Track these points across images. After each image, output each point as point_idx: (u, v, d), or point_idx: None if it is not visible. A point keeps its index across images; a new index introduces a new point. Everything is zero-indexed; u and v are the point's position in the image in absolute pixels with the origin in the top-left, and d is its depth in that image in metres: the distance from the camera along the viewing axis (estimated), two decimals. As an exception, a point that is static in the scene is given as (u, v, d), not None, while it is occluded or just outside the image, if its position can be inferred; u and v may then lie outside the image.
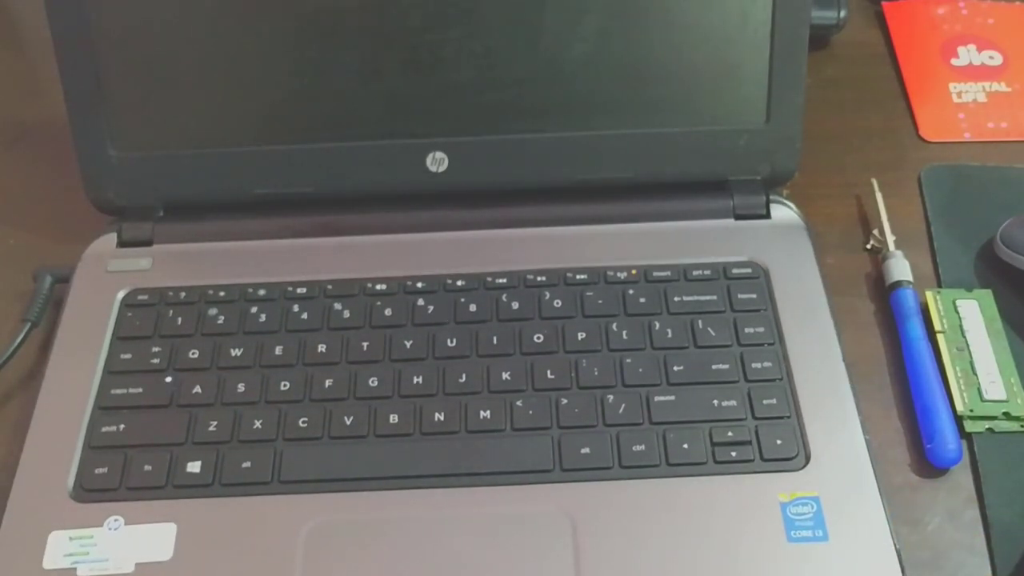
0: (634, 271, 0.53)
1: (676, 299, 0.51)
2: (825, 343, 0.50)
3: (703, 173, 0.55)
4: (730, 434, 0.46)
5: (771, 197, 0.55)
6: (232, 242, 0.55)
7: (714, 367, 0.49)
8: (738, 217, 0.55)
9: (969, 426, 0.48)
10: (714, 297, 0.51)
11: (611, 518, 0.44)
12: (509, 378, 0.49)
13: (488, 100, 0.53)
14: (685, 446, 0.46)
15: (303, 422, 0.47)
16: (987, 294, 0.53)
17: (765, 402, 0.47)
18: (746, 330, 0.50)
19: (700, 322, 0.50)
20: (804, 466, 0.45)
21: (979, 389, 0.49)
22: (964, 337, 0.51)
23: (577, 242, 0.54)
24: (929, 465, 0.47)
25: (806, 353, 0.49)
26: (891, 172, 0.60)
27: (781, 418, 0.47)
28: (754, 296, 0.51)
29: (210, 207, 0.55)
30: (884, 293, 0.54)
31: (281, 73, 0.53)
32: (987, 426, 0.48)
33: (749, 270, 0.53)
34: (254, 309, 0.51)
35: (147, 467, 0.46)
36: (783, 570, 0.42)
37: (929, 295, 0.53)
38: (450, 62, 0.52)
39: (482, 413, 0.47)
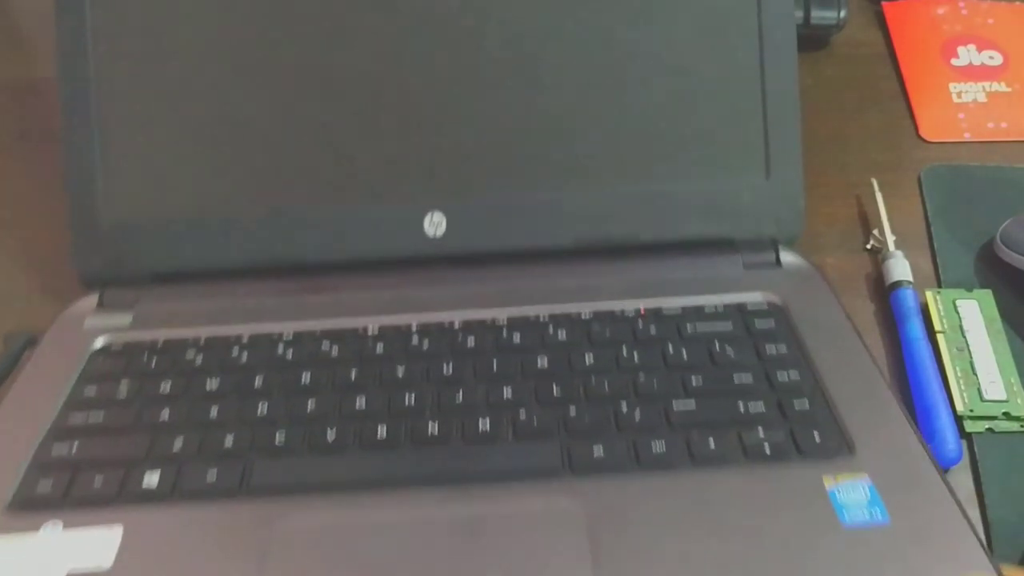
0: (643, 309, 0.50)
1: (689, 328, 0.48)
2: (856, 357, 0.46)
3: (708, 231, 0.53)
4: (761, 434, 0.42)
5: (780, 248, 0.53)
6: (219, 300, 0.52)
7: (736, 380, 0.45)
8: (748, 267, 0.52)
9: (969, 426, 0.48)
10: (730, 325, 0.48)
11: (632, 515, 0.39)
12: (511, 395, 0.45)
13: (487, 160, 0.52)
14: (712, 445, 0.42)
15: (279, 437, 0.43)
16: (987, 294, 0.53)
17: (796, 406, 0.44)
18: (768, 349, 0.47)
19: (717, 345, 0.47)
20: (849, 454, 0.42)
21: (979, 389, 0.49)
22: (964, 337, 0.51)
23: (582, 292, 0.51)
24: (929, 465, 0.47)
25: (836, 365, 0.46)
26: (891, 172, 0.60)
27: (815, 415, 0.43)
28: (773, 324, 0.48)
29: (199, 274, 0.52)
30: (884, 293, 0.54)
31: (275, 137, 0.52)
32: (987, 426, 0.48)
33: (765, 305, 0.50)
34: (235, 351, 0.48)
35: (97, 480, 0.41)
36: (845, 556, 0.38)
37: (929, 295, 0.53)
38: (447, 124, 0.52)
39: (481, 424, 0.43)
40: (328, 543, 0.39)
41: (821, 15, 0.66)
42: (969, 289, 0.53)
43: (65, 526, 0.40)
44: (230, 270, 0.52)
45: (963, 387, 0.49)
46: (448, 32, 0.51)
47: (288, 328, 0.50)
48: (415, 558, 0.38)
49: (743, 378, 0.45)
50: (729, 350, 0.47)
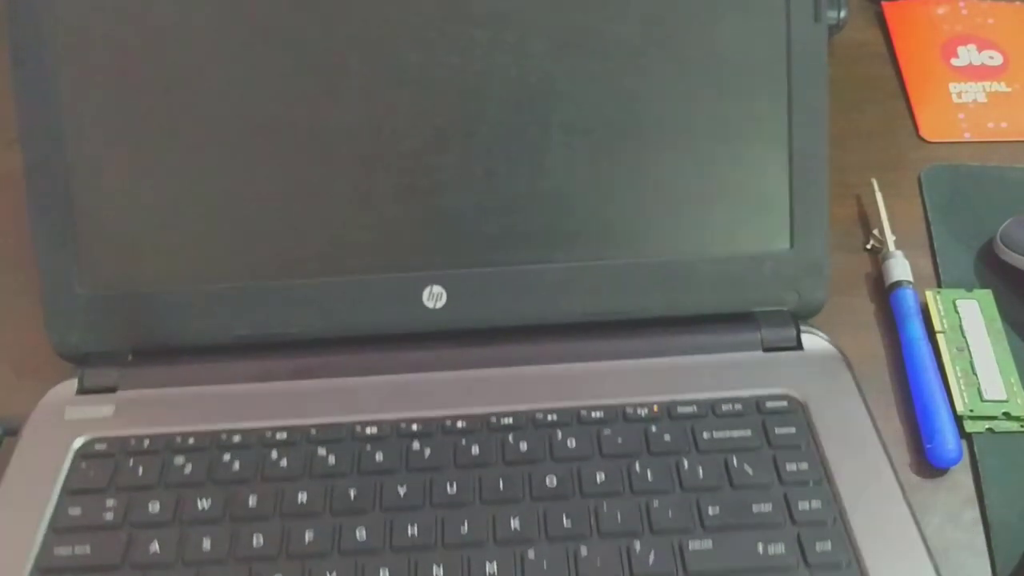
0: (656, 407, 0.46)
1: (705, 436, 0.45)
2: (881, 480, 0.44)
3: (726, 304, 0.49)
4: None
5: (802, 327, 0.50)
6: (205, 387, 0.48)
7: (755, 509, 0.42)
8: (767, 350, 0.49)
9: (969, 426, 0.48)
10: (748, 432, 0.45)
11: None
12: (518, 527, 0.42)
13: (489, 229, 0.49)
14: None
15: None
16: (987, 294, 0.53)
17: (819, 548, 0.41)
18: (788, 467, 0.44)
19: (734, 459, 0.44)
20: None
21: (979, 389, 0.49)
22: (964, 337, 0.51)
23: (590, 379, 0.48)
24: (929, 465, 0.47)
25: (860, 491, 0.43)
26: (891, 172, 0.60)
27: (839, 566, 0.40)
28: (793, 431, 0.45)
29: (184, 350, 0.49)
30: (884, 293, 0.54)
31: (263, 202, 0.48)
32: (987, 426, 0.48)
33: (784, 403, 0.46)
34: (226, 457, 0.45)
35: None
36: None
37: (929, 295, 0.53)
38: (448, 190, 0.48)
39: (488, 567, 0.40)
40: None
41: (821, 15, 0.66)
42: (969, 289, 0.53)
43: None
44: (215, 347, 0.49)
45: (963, 387, 0.49)
46: (450, 95, 0.48)
47: (280, 424, 0.47)
48: None
49: (762, 508, 0.42)
50: (747, 468, 0.44)
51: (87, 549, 0.42)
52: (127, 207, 0.48)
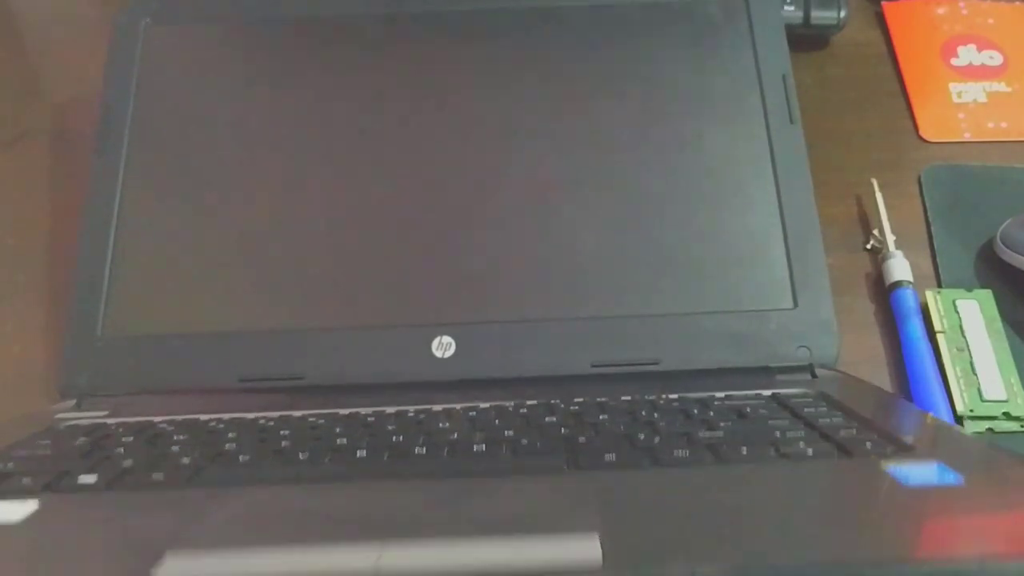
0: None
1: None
2: None
3: (737, 361, 0.50)
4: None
5: (815, 369, 0.50)
6: (199, 415, 0.48)
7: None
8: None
9: (969, 426, 0.48)
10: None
11: None
12: None
13: (498, 282, 0.51)
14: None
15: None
16: (987, 294, 0.53)
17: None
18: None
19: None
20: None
21: (979, 389, 0.49)
22: (964, 337, 0.51)
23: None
24: (929, 465, 0.47)
25: None
26: (891, 172, 0.60)
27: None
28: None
29: (188, 392, 0.50)
30: (884, 293, 0.54)
31: (279, 256, 0.52)
32: (987, 426, 0.48)
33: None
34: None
35: None
36: None
37: (929, 295, 0.53)
38: (459, 248, 0.51)
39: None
40: None
41: (821, 15, 0.66)
42: (969, 289, 0.53)
43: None
44: (220, 390, 0.50)
45: (963, 387, 0.49)
46: (466, 164, 0.53)
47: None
48: None
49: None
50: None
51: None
52: (152, 263, 0.52)
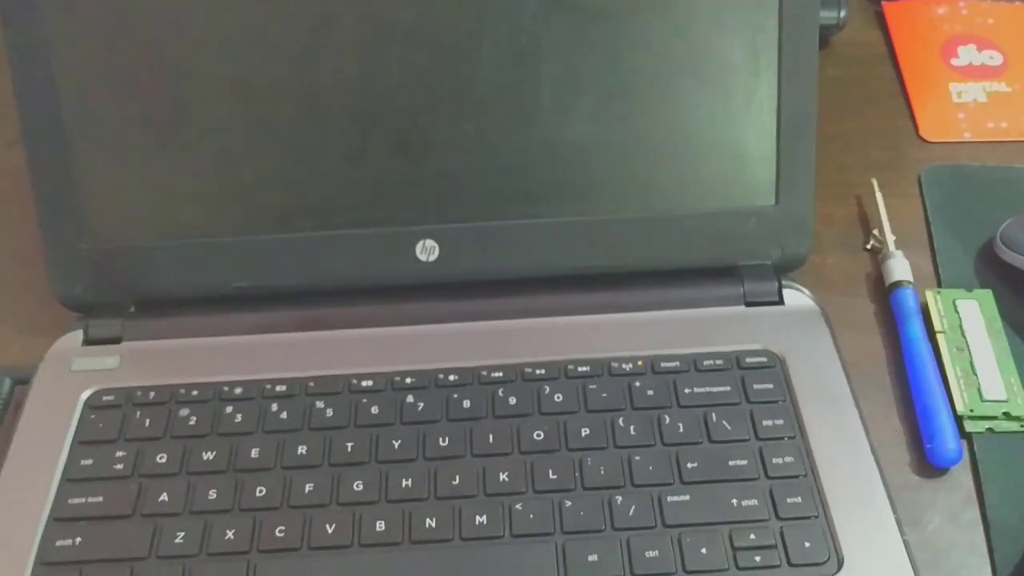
0: (640, 362, 0.48)
1: (687, 391, 0.47)
2: (851, 435, 0.46)
3: (711, 258, 0.51)
4: (752, 537, 0.42)
5: (784, 282, 0.51)
6: (207, 338, 0.50)
7: (731, 464, 0.44)
8: (749, 304, 0.51)
9: (969, 426, 0.48)
10: (727, 388, 0.47)
11: None
12: (507, 479, 0.44)
13: (481, 185, 0.50)
14: (703, 551, 0.41)
15: (280, 531, 0.43)
16: (987, 294, 0.53)
17: (789, 500, 0.43)
18: (764, 423, 0.46)
19: (714, 415, 0.46)
20: (837, 572, 0.41)
21: (979, 389, 0.49)
22: (964, 337, 0.51)
23: (578, 333, 0.50)
24: (929, 465, 0.47)
25: (831, 446, 0.45)
26: (891, 172, 0.60)
27: (808, 518, 0.43)
28: (770, 386, 0.47)
29: (184, 302, 0.51)
30: (884, 293, 0.54)
31: (262, 160, 0.50)
32: (987, 426, 0.48)
33: (764, 359, 0.49)
34: (228, 409, 0.47)
35: None
36: None
37: (929, 295, 0.53)
38: (440, 147, 0.49)
39: (478, 518, 0.43)
40: None
41: (821, 15, 0.66)
42: (969, 289, 0.53)
43: None
44: (214, 297, 0.51)
45: (963, 387, 0.49)
46: (442, 52, 0.49)
47: (279, 376, 0.48)
48: None
49: (738, 462, 0.45)
50: (726, 423, 0.46)
51: (100, 499, 0.44)
52: (126, 164, 0.50)
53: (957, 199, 0.58)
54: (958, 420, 0.48)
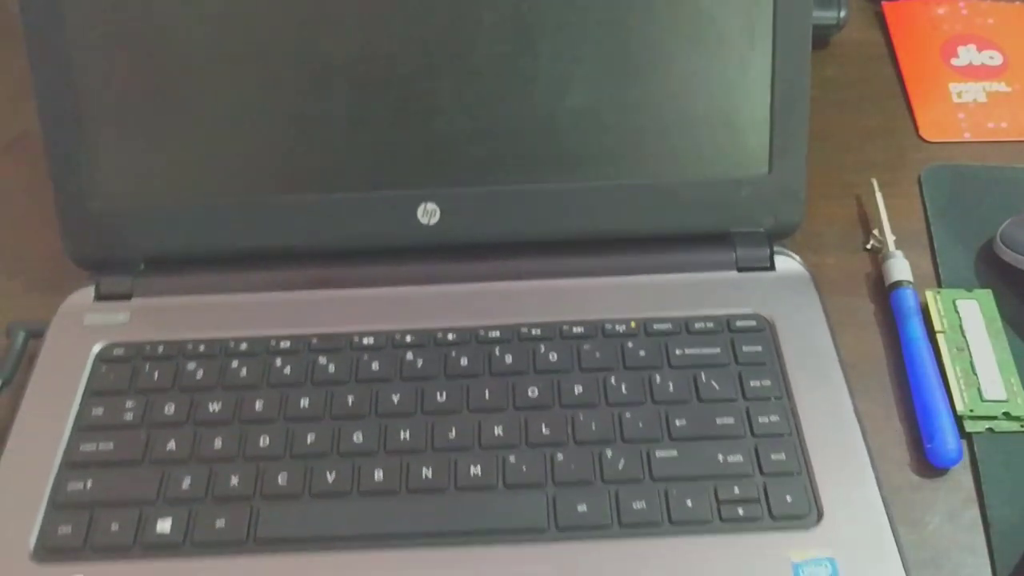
0: (633, 324, 0.50)
1: (677, 352, 0.49)
2: (835, 397, 0.47)
3: (704, 225, 0.53)
4: (737, 491, 0.44)
5: (776, 249, 0.53)
6: (214, 295, 0.52)
7: (718, 421, 0.46)
8: (741, 269, 0.52)
9: (969, 426, 0.48)
10: (717, 350, 0.49)
11: None
12: (501, 433, 0.46)
13: (481, 150, 0.51)
14: (689, 503, 0.43)
15: (282, 479, 0.45)
16: (987, 294, 0.53)
17: (773, 457, 0.45)
18: (751, 383, 0.48)
19: (703, 375, 0.48)
20: (817, 524, 0.43)
21: (979, 389, 0.49)
22: (964, 337, 0.51)
23: (574, 295, 0.52)
24: (929, 465, 0.47)
25: (815, 407, 0.47)
26: (891, 172, 0.60)
27: (790, 474, 0.44)
28: (759, 349, 0.49)
29: (193, 260, 0.53)
30: (884, 293, 0.54)
31: (267, 123, 0.51)
32: (987, 426, 0.48)
33: (753, 323, 0.50)
34: (234, 363, 0.49)
35: (114, 526, 0.43)
36: None
37: (929, 295, 0.53)
38: (441, 112, 0.51)
39: (473, 469, 0.45)
40: None
41: (821, 15, 0.66)
42: (969, 289, 0.53)
43: None
44: (221, 257, 0.53)
45: (963, 387, 0.49)
46: (443, 19, 0.50)
47: (283, 333, 0.50)
48: None
49: (725, 420, 0.46)
50: (714, 383, 0.48)
51: (110, 446, 0.46)
52: (135, 127, 0.51)
53: (957, 199, 0.58)
54: (958, 420, 0.48)
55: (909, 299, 0.52)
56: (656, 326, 0.50)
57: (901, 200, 0.58)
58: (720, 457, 0.45)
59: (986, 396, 0.48)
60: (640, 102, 0.51)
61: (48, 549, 0.43)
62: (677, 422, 0.46)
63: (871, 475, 0.45)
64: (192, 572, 0.42)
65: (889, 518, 0.43)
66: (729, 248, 0.53)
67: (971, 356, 0.50)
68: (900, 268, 0.53)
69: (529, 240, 0.53)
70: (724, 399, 0.47)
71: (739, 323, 0.50)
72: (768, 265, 0.53)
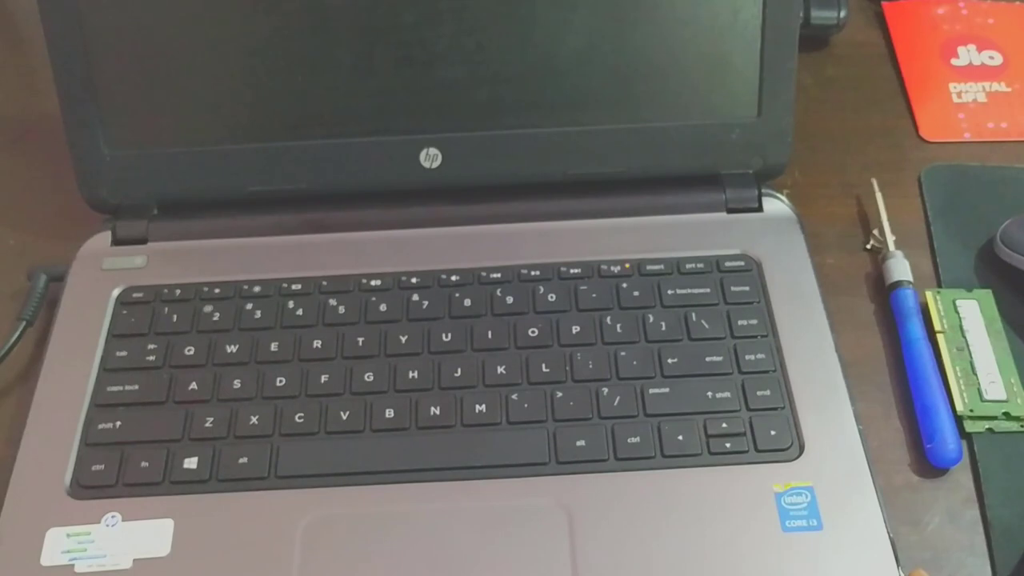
0: (627, 265, 0.53)
1: (669, 292, 0.51)
2: (818, 335, 0.50)
3: (695, 167, 0.55)
4: (724, 426, 0.46)
5: (764, 191, 0.55)
6: (226, 239, 0.54)
7: (708, 359, 0.49)
8: (730, 210, 0.55)
9: (969, 426, 0.48)
10: (707, 290, 0.51)
11: (607, 510, 0.44)
12: (504, 372, 0.49)
13: (481, 95, 0.53)
14: (680, 438, 0.46)
15: (299, 417, 0.47)
16: (987, 294, 0.53)
17: (759, 393, 0.47)
18: (739, 322, 0.50)
19: (693, 315, 0.50)
20: (798, 457, 0.46)
21: (979, 389, 0.49)
22: (964, 337, 0.51)
23: (570, 237, 0.54)
24: (929, 465, 0.47)
25: (799, 345, 0.49)
26: (891, 172, 0.60)
27: (775, 409, 0.47)
28: (747, 289, 0.51)
29: (204, 204, 0.55)
30: (884, 293, 0.54)
31: (274, 70, 0.53)
32: (987, 426, 0.48)
33: (742, 263, 0.53)
34: (249, 306, 0.51)
35: (144, 463, 0.46)
36: (777, 559, 0.43)
37: (929, 295, 0.53)
38: (442, 58, 0.52)
39: (478, 407, 0.47)
40: (348, 536, 0.44)
41: (821, 15, 0.66)
42: (969, 289, 0.53)
43: (122, 516, 0.45)
44: (230, 201, 0.54)
45: (963, 387, 0.49)
46: None
47: (294, 275, 0.53)
48: (426, 550, 0.43)
49: (714, 358, 0.49)
50: (704, 323, 0.50)
51: (135, 387, 0.49)
52: (146, 74, 0.53)
53: (957, 199, 0.58)
54: (958, 420, 0.48)
55: (909, 299, 0.52)
56: (649, 267, 0.52)
57: (901, 200, 0.58)
58: (709, 394, 0.47)
59: (986, 396, 0.48)
60: (634, 49, 0.53)
61: (83, 486, 0.46)
62: (669, 360, 0.49)
63: (849, 410, 0.47)
64: (220, 505, 0.45)
65: (865, 451, 0.45)
66: (719, 190, 0.55)
67: (971, 356, 0.50)
68: (900, 268, 0.53)
69: (527, 182, 0.55)
70: (713, 338, 0.50)
71: (728, 264, 0.53)
72: (756, 206, 0.55)
